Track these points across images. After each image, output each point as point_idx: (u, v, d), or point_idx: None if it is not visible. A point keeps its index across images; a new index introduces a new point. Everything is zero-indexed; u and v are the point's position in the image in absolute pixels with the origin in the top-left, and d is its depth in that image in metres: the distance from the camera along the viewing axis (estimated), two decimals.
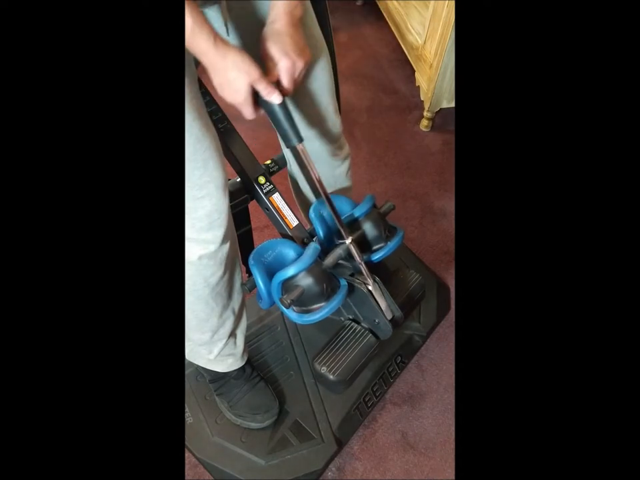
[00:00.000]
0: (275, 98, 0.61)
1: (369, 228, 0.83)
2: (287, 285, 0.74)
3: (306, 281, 0.72)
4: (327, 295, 0.74)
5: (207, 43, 0.54)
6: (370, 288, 0.79)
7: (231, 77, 0.57)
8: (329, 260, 0.76)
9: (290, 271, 0.72)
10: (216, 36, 0.54)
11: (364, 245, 0.85)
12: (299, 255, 0.76)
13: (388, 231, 0.86)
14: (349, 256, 0.78)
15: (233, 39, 0.70)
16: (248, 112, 0.62)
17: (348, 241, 0.76)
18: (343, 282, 0.77)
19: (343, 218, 0.81)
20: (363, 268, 0.78)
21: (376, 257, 0.84)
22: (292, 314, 0.75)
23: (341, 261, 0.81)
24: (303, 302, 0.75)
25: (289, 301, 0.71)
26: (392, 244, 0.85)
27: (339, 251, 0.77)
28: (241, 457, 0.90)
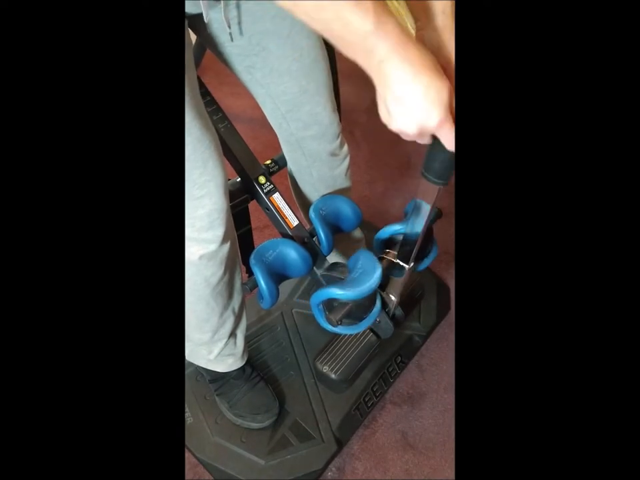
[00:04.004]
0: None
1: (419, 244, 0.73)
2: (330, 301, 0.69)
3: (356, 300, 0.68)
4: (370, 309, 0.73)
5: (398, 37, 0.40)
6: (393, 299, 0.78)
7: (420, 103, 0.41)
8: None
9: (347, 294, 0.66)
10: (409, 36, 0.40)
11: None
12: (300, 255, 0.76)
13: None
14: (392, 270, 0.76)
15: (238, 42, 0.70)
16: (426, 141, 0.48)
17: (409, 266, 0.73)
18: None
19: (397, 230, 0.77)
20: (401, 284, 0.76)
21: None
22: (327, 324, 0.72)
23: None
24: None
25: (337, 320, 0.67)
26: (428, 259, 0.83)
27: (386, 267, 0.74)
28: (240, 456, 0.90)
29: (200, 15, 0.63)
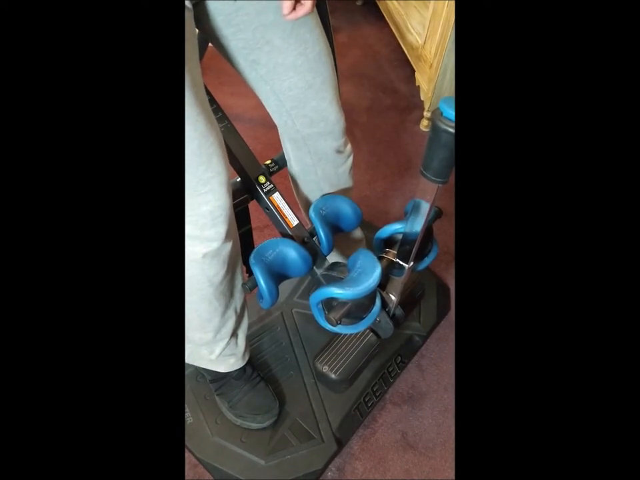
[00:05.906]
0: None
1: (419, 243, 0.73)
2: (329, 300, 0.69)
3: (355, 300, 0.68)
4: (370, 308, 0.73)
5: None
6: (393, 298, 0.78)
7: None
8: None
9: (345, 294, 0.66)
10: None
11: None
12: (300, 255, 0.76)
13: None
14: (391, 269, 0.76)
15: (242, 35, 0.69)
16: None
17: (408, 265, 0.72)
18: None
19: (396, 229, 0.77)
20: (401, 284, 0.76)
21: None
22: (327, 324, 0.72)
23: None
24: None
25: (336, 320, 0.67)
26: (428, 259, 0.83)
27: (386, 266, 0.74)
28: (241, 457, 0.90)
29: (201, 5, 0.62)
